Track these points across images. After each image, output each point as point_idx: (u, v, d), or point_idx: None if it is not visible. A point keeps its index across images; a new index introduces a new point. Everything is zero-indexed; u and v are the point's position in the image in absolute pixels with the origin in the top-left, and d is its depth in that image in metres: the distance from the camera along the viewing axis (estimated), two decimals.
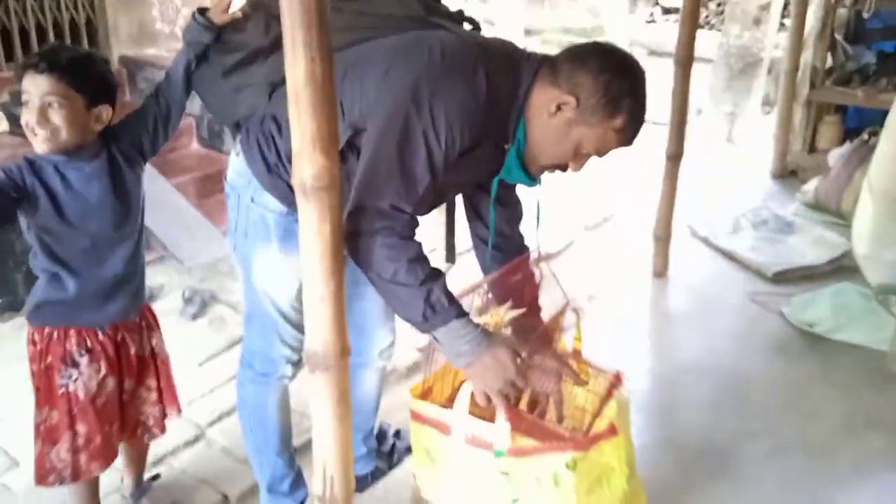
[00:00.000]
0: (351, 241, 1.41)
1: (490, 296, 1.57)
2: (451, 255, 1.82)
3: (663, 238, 2.74)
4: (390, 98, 1.41)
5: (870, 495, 1.77)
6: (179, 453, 2.39)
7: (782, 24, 5.04)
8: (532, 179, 1.59)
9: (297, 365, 1.87)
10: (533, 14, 7.87)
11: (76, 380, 1.75)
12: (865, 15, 3.51)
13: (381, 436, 2.30)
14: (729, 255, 2.90)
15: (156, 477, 2.22)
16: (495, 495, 1.55)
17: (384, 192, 1.40)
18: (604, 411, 1.52)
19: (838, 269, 2.78)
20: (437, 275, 1.43)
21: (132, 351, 1.84)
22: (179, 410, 2.03)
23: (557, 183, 1.66)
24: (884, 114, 2.71)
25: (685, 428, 2.00)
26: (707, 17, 8.60)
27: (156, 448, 2.25)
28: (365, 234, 1.40)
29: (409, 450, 2.13)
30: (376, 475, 2.12)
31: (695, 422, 2.02)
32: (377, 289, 1.44)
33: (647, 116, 1.54)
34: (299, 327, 1.77)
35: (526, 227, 1.80)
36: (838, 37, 3.79)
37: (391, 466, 2.19)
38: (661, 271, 2.78)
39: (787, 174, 3.77)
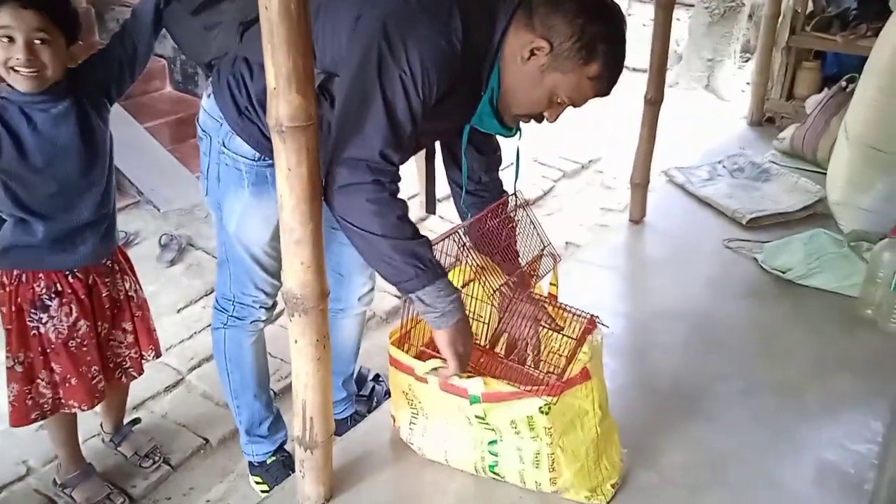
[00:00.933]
0: (337, 196, 1.37)
1: (467, 242, 1.57)
2: (430, 205, 1.81)
3: (641, 184, 2.75)
4: (363, 44, 1.37)
5: (838, 431, 1.83)
6: (159, 398, 2.40)
7: None
8: (508, 129, 1.55)
9: (270, 309, 1.87)
10: None
11: (46, 322, 1.77)
12: None
13: (361, 380, 2.33)
14: (705, 202, 2.92)
15: (135, 421, 2.24)
16: (472, 438, 1.58)
17: (372, 141, 1.36)
18: (578, 355, 1.54)
19: (812, 216, 2.81)
20: (420, 234, 1.42)
21: (104, 293, 1.84)
22: (158, 353, 2.04)
23: (536, 129, 1.64)
24: (862, 60, 2.71)
25: (658, 370, 2.04)
26: None
27: (136, 392, 2.26)
28: (352, 187, 1.36)
29: (387, 394, 2.16)
30: (356, 419, 2.15)
31: (668, 364, 2.06)
32: (360, 246, 1.41)
33: (626, 63, 1.51)
34: (273, 272, 1.78)
35: (505, 174, 1.79)
36: None
37: (370, 410, 2.22)
38: (637, 217, 2.79)
39: (765, 121, 3.78)
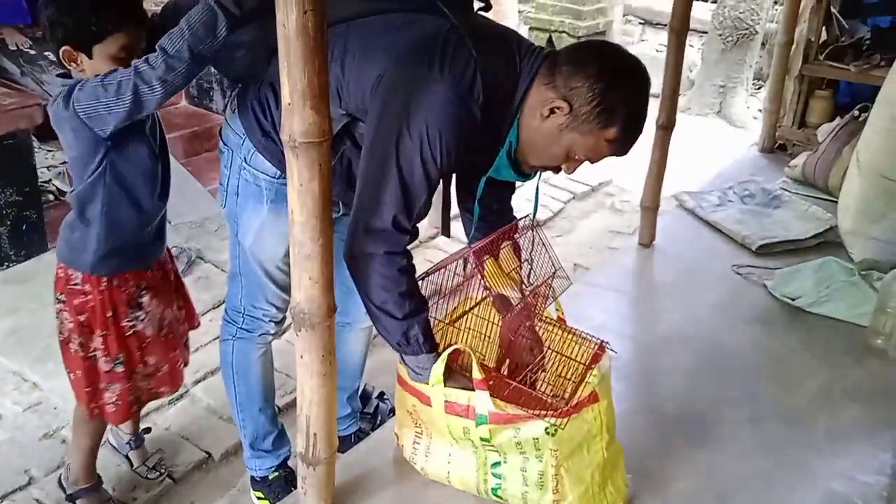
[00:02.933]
0: (352, 263, 1.46)
1: (474, 265, 1.57)
2: (445, 228, 1.83)
3: (650, 208, 2.75)
4: (382, 106, 1.40)
5: (846, 462, 1.81)
6: (163, 410, 2.40)
7: None
8: (525, 175, 1.57)
9: (280, 323, 1.88)
10: None
11: (144, 319, 1.84)
12: None
13: (365, 397, 2.33)
14: (715, 227, 2.91)
15: (147, 430, 2.24)
16: (475, 460, 1.57)
17: (385, 209, 1.41)
18: (587, 379, 1.53)
19: (823, 244, 2.79)
20: (422, 308, 1.48)
21: (171, 278, 1.95)
22: (199, 324, 2.14)
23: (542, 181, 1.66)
24: (875, 90, 2.70)
25: (665, 395, 2.03)
26: None
27: None
28: (367, 257, 1.43)
29: (392, 412, 2.16)
30: (359, 436, 2.14)
31: (675, 389, 2.05)
32: (366, 308, 1.51)
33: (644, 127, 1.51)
34: (284, 287, 1.78)
35: (516, 199, 1.81)
36: (834, 10, 3.76)
37: (374, 428, 2.21)
38: (647, 241, 2.78)
39: (776, 148, 3.77)
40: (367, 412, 2.30)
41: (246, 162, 1.67)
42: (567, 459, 1.50)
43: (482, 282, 1.60)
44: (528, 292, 1.65)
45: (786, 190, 3.22)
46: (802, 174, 3.29)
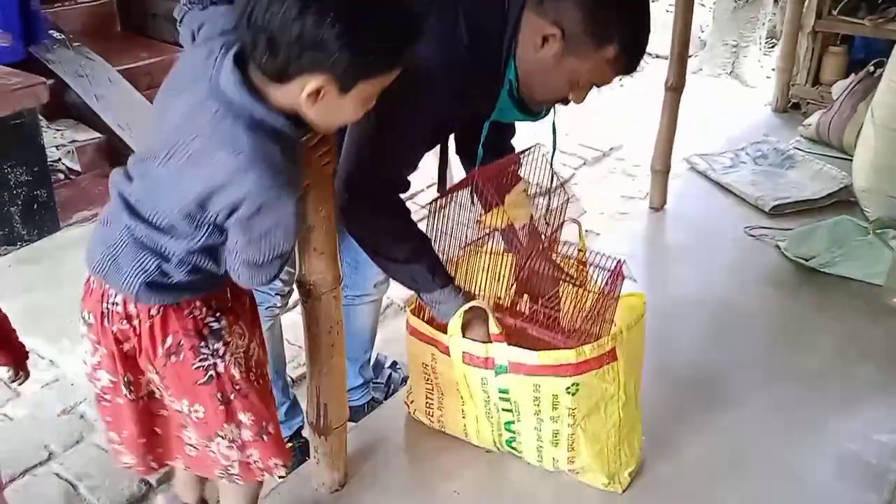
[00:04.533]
0: (346, 216, 1.41)
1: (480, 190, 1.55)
2: (442, 186, 1.81)
3: (661, 171, 2.72)
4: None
5: (860, 421, 1.80)
6: None
7: None
8: (534, 114, 1.51)
9: (286, 296, 1.88)
10: None
11: (224, 354, 1.26)
12: None
13: (378, 367, 2.33)
14: (727, 189, 2.87)
15: None
16: (490, 416, 1.57)
17: (376, 162, 1.40)
18: (611, 316, 1.53)
19: (837, 204, 2.75)
20: (423, 248, 1.49)
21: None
22: None
23: (556, 116, 1.61)
24: (891, 44, 2.65)
25: (679, 358, 2.02)
26: None
27: None
28: (369, 208, 1.42)
29: (404, 381, 2.16)
30: (372, 406, 2.15)
31: (687, 352, 2.04)
32: (368, 256, 1.51)
33: (648, 49, 1.46)
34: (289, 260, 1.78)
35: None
36: None
37: (387, 396, 2.22)
38: (658, 204, 2.76)
39: (790, 107, 3.71)
40: (378, 382, 2.31)
41: None
42: (584, 419, 1.50)
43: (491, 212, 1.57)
44: (540, 221, 1.62)
45: (799, 149, 3.17)
46: (816, 133, 3.23)
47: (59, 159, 3.23)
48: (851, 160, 2.76)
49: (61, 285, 2.67)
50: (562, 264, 1.66)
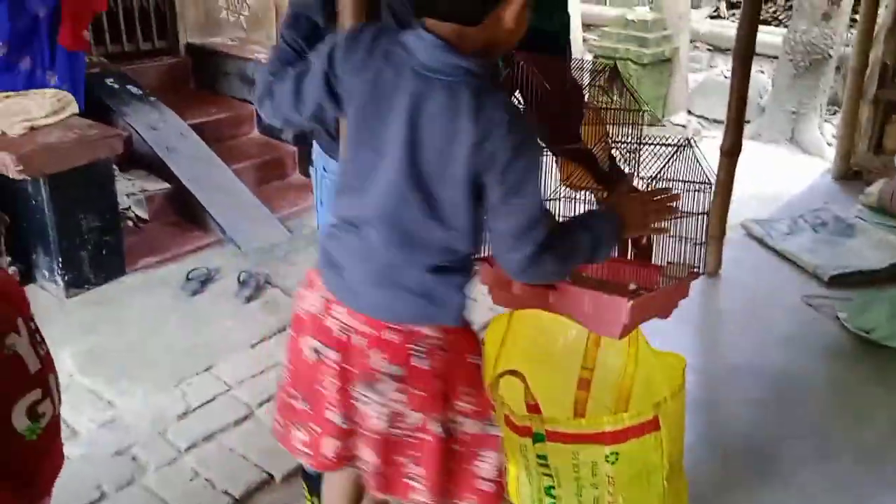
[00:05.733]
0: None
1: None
2: None
3: (716, 237, 2.70)
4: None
5: None
6: (229, 431, 2.45)
7: (852, 21, 4.88)
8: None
9: None
10: (591, 7, 7.79)
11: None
12: None
13: None
14: (784, 256, 2.83)
15: None
16: (531, 480, 1.56)
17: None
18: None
19: None
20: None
21: None
22: None
23: None
24: None
25: (731, 427, 1.98)
26: (775, 12, 8.37)
27: (208, 424, 2.32)
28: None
29: None
30: None
31: (741, 421, 1.99)
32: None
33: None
34: None
35: None
36: None
37: None
38: (713, 270, 2.73)
39: (851, 175, 3.66)
40: None
41: (325, 170, 1.78)
42: (625, 489, 1.48)
43: None
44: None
45: (860, 218, 3.12)
46: (878, 201, 3.18)
47: (129, 207, 3.37)
48: None
49: (123, 329, 2.76)
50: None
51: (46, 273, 2.98)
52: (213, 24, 4.30)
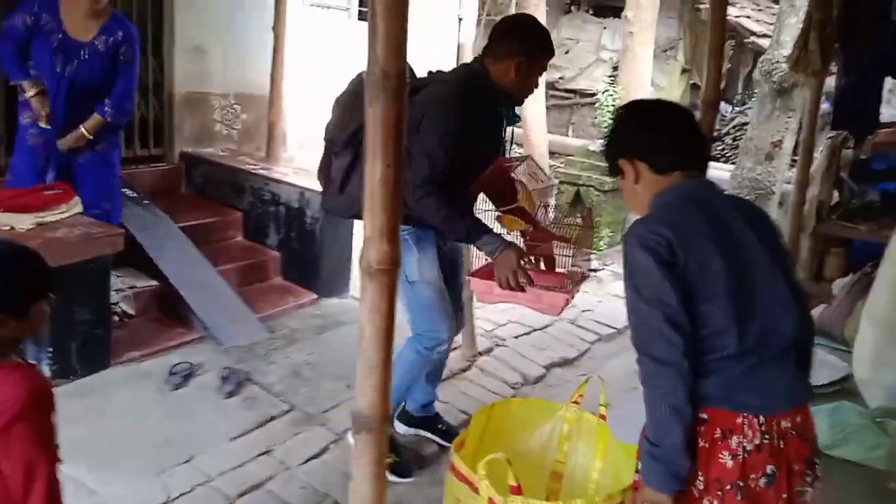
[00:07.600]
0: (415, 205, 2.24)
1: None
2: None
3: None
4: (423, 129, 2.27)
5: None
6: None
7: (793, 161, 5.37)
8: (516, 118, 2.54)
9: (450, 340, 2.54)
10: (558, 138, 8.29)
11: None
12: (863, 157, 3.80)
13: (439, 417, 2.90)
14: None
15: None
16: None
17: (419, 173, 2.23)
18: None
19: (839, 392, 2.91)
20: (459, 213, 2.29)
21: None
22: None
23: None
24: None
25: None
26: (723, 150, 9.02)
27: None
28: (424, 196, 2.24)
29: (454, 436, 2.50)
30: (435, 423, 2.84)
31: None
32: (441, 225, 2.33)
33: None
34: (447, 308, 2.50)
35: None
36: (844, 175, 4.06)
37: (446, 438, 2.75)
38: None
39: None
40: (440, 428, 2.81)
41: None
42: None
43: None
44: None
45: None
46: (819, 325, 3.45)
47: (118, 302, 3.49)
48: (851, 352, 2.96)
49: (106, 419, 2.83)
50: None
51: (34, 362, 3.06)
52: (207, 135, 4.57)
